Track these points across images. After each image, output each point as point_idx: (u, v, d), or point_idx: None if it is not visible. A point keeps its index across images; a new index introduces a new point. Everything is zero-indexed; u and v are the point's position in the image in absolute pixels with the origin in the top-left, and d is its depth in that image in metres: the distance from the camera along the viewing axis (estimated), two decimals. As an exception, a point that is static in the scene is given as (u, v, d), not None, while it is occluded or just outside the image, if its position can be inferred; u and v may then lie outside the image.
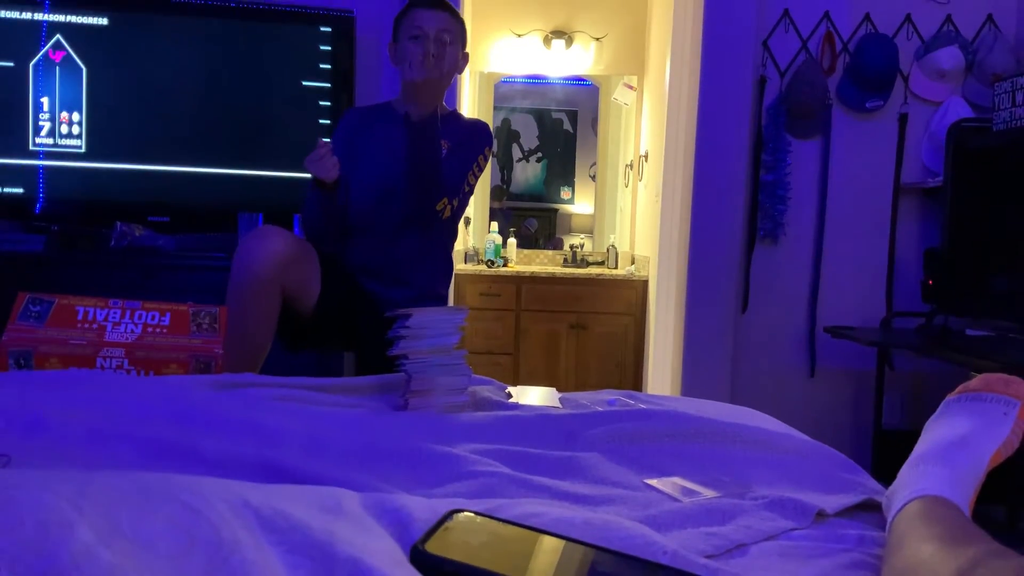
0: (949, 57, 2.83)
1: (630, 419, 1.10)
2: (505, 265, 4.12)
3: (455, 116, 1.99)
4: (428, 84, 1.63)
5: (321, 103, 2.65)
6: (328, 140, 1.77)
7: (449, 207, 1.81)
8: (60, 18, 2.54)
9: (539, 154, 4.52)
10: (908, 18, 2.89)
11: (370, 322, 1.77)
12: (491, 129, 1.99)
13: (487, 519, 0.64)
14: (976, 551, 0.59)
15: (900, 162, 2.91)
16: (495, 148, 4.47)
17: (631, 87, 4.32)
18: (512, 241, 4.27)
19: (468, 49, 1.91)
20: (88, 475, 0.52)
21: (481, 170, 1.91)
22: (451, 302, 3.35)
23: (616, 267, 4.24)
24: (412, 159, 1.71)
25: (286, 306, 1.72)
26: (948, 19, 2.88)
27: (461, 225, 2.11)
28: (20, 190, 2.56)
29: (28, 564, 0.40)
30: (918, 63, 2.89)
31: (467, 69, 3.73)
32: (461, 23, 1.85)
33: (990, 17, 2.88)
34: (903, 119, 2.90)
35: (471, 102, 4.24)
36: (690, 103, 2.92)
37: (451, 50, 1.80)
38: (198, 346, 1.31)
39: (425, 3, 1.79)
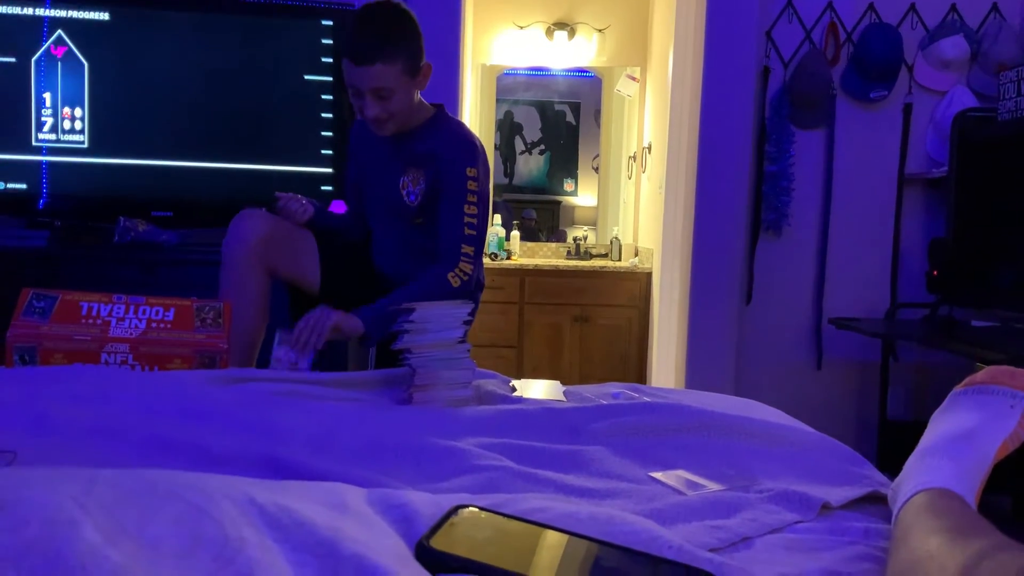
0: (953, 46, 2.81)
1: (634, 412, 1.10)
2: (508, 258, 4.12)
3: (435, 127, 1.78)
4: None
5: (323, 97, 2.65)
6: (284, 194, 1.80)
7: (462, 272, 1.68)
8: (62, 13, 2.53)
9: (542, 146, 4.50)
10: (912, 7, 2.87)
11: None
12: (475, 141, 1.77)
13: (492, 514, 0.64)
14: (982, 544, 0.59)
15: (904, 152, 2.89)
16: (498, 142, 4.46)
17: (634, 78, 4.30)
18: (515, 234, 4.26)
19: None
20: (93, 474, 0.52)
21: (476, 194, 1.72)
22: (454, 295, 3.33)
23: (619, 259, 4.24)
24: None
25: (294, 289, 1.74)
26: (953, 8, 2.86)
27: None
28: (23, 186, 2.56)
29: (34, 564, 0.40)
30: (922, 53, 2.87)
31: (469, 61, 3.72)
32: (398, 57, 1.61)
33: (995, 6, 2.86)
34: (907, 109, 2.88)
35: (473, 95, 4.23)
36: (693, 94, 2.91)
37: (394, 100, 1.64)
38: (202, 341, 1.32)
39: (353, 58, 1.59)
